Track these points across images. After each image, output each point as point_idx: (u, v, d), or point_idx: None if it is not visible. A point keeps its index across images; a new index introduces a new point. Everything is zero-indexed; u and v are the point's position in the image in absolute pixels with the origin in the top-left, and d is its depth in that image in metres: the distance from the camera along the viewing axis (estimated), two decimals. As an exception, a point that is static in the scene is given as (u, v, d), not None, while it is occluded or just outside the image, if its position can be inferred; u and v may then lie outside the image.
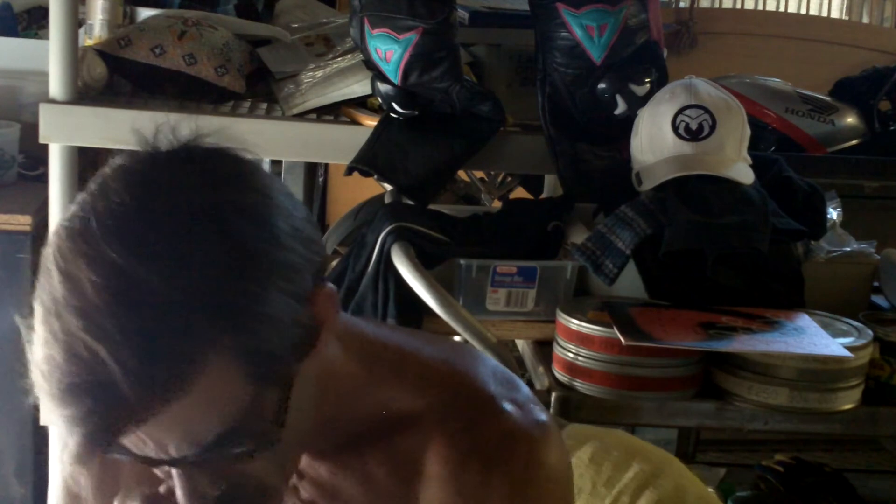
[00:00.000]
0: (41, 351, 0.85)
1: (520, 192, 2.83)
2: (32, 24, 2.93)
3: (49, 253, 0.85)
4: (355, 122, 2.19)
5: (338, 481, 1.05)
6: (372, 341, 1.07)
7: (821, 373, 1.74)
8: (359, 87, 2.22)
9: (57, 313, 0.83)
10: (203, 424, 0.86)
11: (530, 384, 1.91)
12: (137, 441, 0.86)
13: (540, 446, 1.04)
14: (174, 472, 0.91)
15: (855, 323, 1.84)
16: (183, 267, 0.82)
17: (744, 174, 1.92)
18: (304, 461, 1.05)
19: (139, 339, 0.81)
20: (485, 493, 1.02)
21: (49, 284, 0.84)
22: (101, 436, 0.83)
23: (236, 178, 0.89)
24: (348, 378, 1.02)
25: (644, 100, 2.04)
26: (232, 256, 0.84)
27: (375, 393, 1.04)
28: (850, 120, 2.73)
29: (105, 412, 0.82)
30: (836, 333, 1.78)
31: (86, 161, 2.18)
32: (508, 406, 1.04)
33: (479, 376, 1.07)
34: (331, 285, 0.94)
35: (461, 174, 2.81)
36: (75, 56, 2.10)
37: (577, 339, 1.77)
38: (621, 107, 2.09)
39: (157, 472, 0.94)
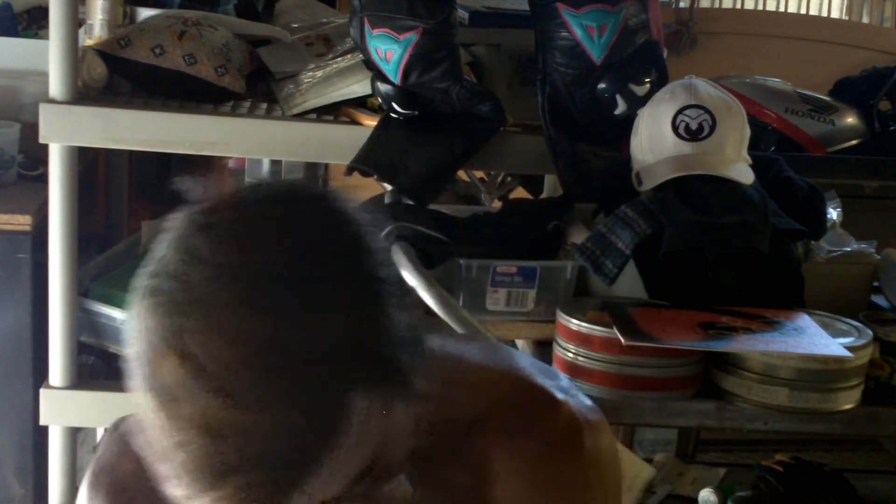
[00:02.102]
0: (167, 440, 0.80)
1: (520, 192, 2.83)
2: (32, 24, 2.93)
3: (143, 335, 0.80)
4: (355, 122, 2.19)
5: (416, 496, 1.04)
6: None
7: (821, 373, 1.74)
8: (359, 87, 2.22)
9: (176, 398, 0.79)
10: (352, 462, 0.84)
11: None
12: None
13: (598, 430, 1.06)
14: None
15: (855, 323, 1.84)
16: (310, 316, 0.79)
17: (744, 174, 1.92)
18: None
19: (287, 400, 0.78)
20: (556, 483, 1.03)
21: (156, 370, 0.79)
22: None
23: (323, 211, 0.87)
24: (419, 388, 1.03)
25: (644, 100, 2.04)
26: (354, 292, 0.82)
27: (438, 401, 1.03)
28: (850, 120, 2.73)
29: (268, 483, 0.79)
30: (836, 333, 1.78)
31: (86, 161, 2.18)
32: (561, 395, 1.06)
33: (525, 370, 1.08)
34: None
35: (461, 174, 2.82)
36: (75, 56, 2.10)
37: (577, 339, 1.77)
38: (621, 107, 2.09)
39: None
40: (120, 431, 1.08)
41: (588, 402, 1.09)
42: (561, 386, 1.08)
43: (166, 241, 0.83)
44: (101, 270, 2.37)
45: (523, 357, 1.12)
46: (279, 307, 0.79)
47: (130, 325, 0.82)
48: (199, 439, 0.78)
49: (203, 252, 0.80)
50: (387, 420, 0.85)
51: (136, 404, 0.81)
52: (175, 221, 0.84)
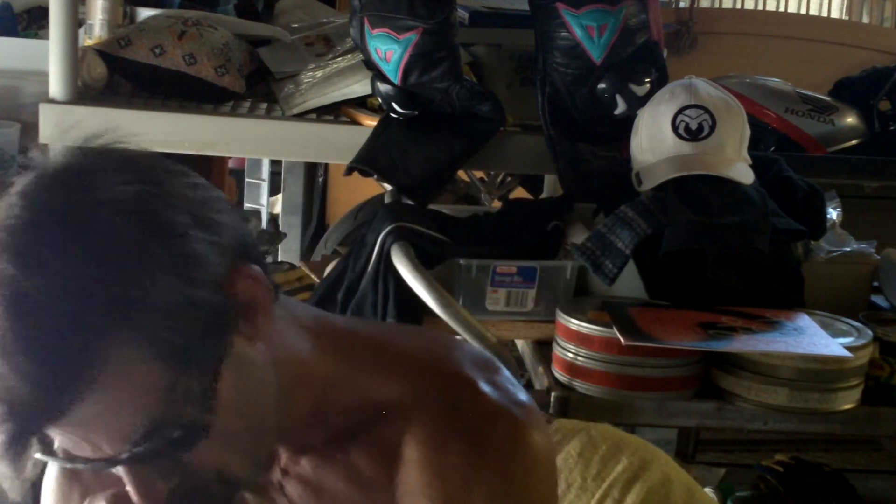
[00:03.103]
0: None
1: (520, 192, 2.83)
2: (32, 24, 2.93)
3: None
4: (355, 122, 2.19)
5: (322, 475, 1.05)
6: (345, 334, 1.08)
7: (821, 373, 1.74)
8: (359, 87, 2.22)
9: None
10: (125, 419, 0.87)
11: (530, 384, 1.92)
12: (72, 443, 0.88)
13: (520, 426, 1.03)
14: (121, 469, 0.92)
15: (855, 323, 1.84)
16: (66, 270, 0.83)
17: (744, 174, 1.92)
18: (288, 457, 1.06)
19: (29, 343, 0.83)
20: (465, 475, 1.01)
21: None
22: (15, 440, 0.85)
23: (117, 175, 0.90)
24: (323, 370, 1.03)
25: (644, 100, 2.04)
26: (113, 253, 0.85)
27: (353, 384, 1.04)
28: (850, 120, 2.73)
29: (11, 418, 0.84)
30: (835, 333, 1.78)
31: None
32: (486, 387, 1.04)
33: (455, 360, 1.07)
34: (254, 266, 0.94)
35: (461, 174, 2.82)
36: (75, 56, 2.10)
37: (577, 339, 1.77)
38: (621, 107, 2.09)
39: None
40: None
41: (524, 398, 1.06)
42: (494, 379, 1.06)
43: None
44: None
45: (464, 348, 1.11)
46: (34, 258, 0.84)
47: None
48: None
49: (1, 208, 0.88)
50: (162, 377, 0.87)
51: None
52: None
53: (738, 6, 4.91)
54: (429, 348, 1.09)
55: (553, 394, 1.78)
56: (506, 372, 1.09)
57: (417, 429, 1.02)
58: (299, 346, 1.00)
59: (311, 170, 4.09)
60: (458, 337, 1.77)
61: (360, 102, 2.24)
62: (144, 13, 2.55)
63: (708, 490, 2.20)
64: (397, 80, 2.07)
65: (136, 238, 0.86)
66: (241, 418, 0.93)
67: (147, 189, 0.89)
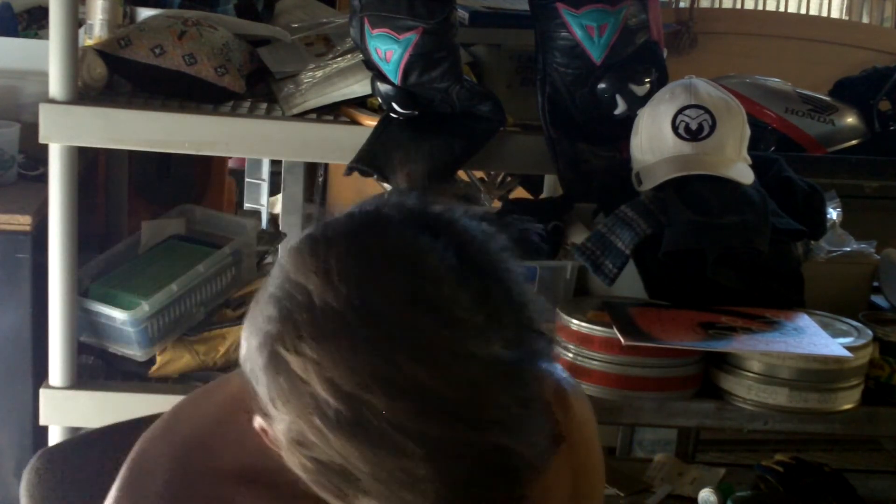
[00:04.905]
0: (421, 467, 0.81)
1: (520, 192, 2.83)
2: (32, 24, 2.93)
3: (328, 385, 0.81)
4: (355, 122, 2.19)
5: None
6: None
7: (821, 373, 1.74)
8: (359, 87, 2.22)
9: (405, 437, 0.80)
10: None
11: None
12: None
13: (582, 394, 1.12)
14: None
15: (855, 323, 1.84)
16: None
17: (744, 174, 1.92)
18: None
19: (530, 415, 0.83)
20: (571, 457, 1.07)
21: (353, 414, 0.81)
22: None
23: (458, 231, 0.92)
24: None
25: (644, 100, 2.04)
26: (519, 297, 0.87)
27: None
28: (850, 120, 2.73)
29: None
30: (835, 333, 1.78)
31: (86, 161, 2.18)
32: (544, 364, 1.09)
33: None
34: None
35: (461, 174, 2.82)
36: (75, 56, 2.10)
37: (577, 339, 1.77)
38: (621, 107, 2.09)
39: None
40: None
41: (559, 366, 1.13)
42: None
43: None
44: (101, 270, 2.37)
45: None
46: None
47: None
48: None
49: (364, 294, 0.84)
50: None
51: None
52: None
53: (738, 6, 4.90)
54: None
55: (553, 394, 1.78)
56: None
57: None
58: None
59: (311, 170, 4.10)
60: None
61: (360, 102, 2.24)
62: (144, 13, 2.55)
63: (708, 490, 2.20)
64: (397, 80, 2.07)
65: (521, 296, 0.88)
66: None
67: (493, 251, 0.91)
